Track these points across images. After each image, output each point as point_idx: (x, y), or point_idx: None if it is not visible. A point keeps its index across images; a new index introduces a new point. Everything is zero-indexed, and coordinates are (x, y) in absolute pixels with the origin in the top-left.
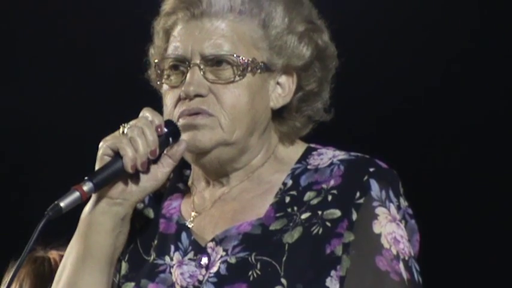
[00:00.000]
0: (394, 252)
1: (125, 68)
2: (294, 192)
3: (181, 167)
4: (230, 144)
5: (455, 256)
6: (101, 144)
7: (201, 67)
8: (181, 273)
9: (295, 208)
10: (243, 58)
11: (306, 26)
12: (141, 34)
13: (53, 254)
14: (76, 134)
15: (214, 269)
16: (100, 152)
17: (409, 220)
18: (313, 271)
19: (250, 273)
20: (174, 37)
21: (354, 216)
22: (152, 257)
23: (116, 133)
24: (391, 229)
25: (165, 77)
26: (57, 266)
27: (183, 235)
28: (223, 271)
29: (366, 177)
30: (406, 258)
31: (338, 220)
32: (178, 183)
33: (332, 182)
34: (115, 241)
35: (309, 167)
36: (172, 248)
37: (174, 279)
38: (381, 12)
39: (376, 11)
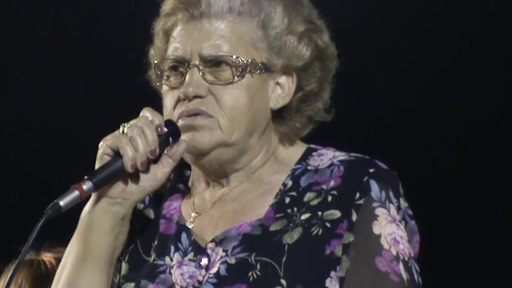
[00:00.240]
0: (394, 253)
1: (125, 68)
2: (294, 193)
3: (182, 167)
4: (229, 145)
5: (455, 257)
6: (100, 143)
7: (200, 68)
8: (181, 274)
9: (295, 209)
10: (242, 59)
11: (306, 26)
12: (142, 34)
13: (47, 257)
14: (76, 134)
15: (214, 270)
16: (100, 152)
17: (409, 221)
18: (313, 272)
19: (250, 273)
20: (174, 38)
21: (354, 217)
22: (152, 258)
23: (116, 132)
24: (391, 230)
25: (165, 78)
26: (53, 267)
27: (183, 236)
28: (223, 272)
29: (365, 178)
30: (406, 259)
31: (338, 221)
32: (178, 183)
33: (332, 183)
34: (115, 241)
35: (309, 167)
36: (172, 248)
37: (174, 280)
38: (381, 12)
39: (377, 11)
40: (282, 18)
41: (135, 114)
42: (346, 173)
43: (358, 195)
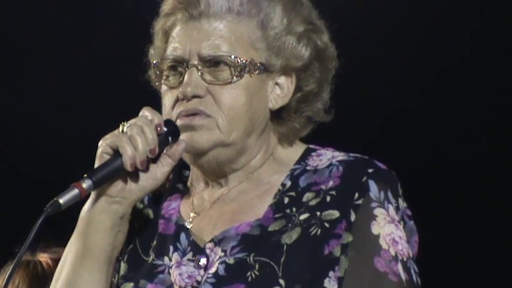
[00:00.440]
0: (393, 253)
1: (125, 67)
2: (292, 193)
3: (181, 167)
4: (228, 145)
5: (454, 257)
6: (100, 142)
7: (199, 68)
8: (180, 274)
9: (294, 209)
10: (241, 59)
11: (305, 27)
12: (141, 34)
13: (43, 257)
14: (76, 133)
15: (212, 270)
16: (99, 150)
17: (407, 221)
18: (312, 272)
19: (248, 273)
20: (173, 38)
21: (353, 217)
22: (151, 258)
23: (116, 131)
24: (390, 230)
25: (164, 77)
26: (50, 268)
27: (182, 236)
28: (221, 272)
29: (364, 178)
30: (405, 259)
31: (336, 221)
32: (177, 183)
33: (331, 183)
34: (114, 240)
35: (308, 168)
36: (171, 248)
37: (173, 280)
38: (381, 12)
39: (377, 10)
40: (281, 18)
41: (135, 114)
42: (345, 173)
43: (357, 195)
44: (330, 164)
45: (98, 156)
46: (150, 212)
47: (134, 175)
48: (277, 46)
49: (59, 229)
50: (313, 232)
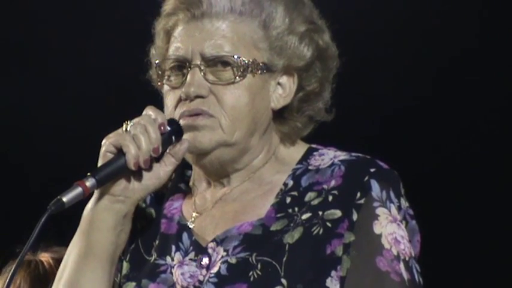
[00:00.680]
0: (395, 252)
1: (127, 67)
2: (294, 193)
3: (183, 167)
4: (230, 145)
5: (456, 257)
6: (103, 141)
7: (202, 68)
8: (182, 274)
9: (296, 209)
10: (244, 59)
11: (307, 27)
12: (142, 34)
13: (44, 257)
14: (78, 132)
15: (214, 269)
16: (103, 149)
17: (409, 221)
18: (314, 271)
19: (250, 273)
20: (175, 38)
21: (355, 217)
22: (153, 257)
23: (119, 130)
24: (392, 229)
25: (166, 77)
26: (51, 267)
27: (184, 235)
28: (223, 271)
29: (366, 178)
30: (407, 258)
31: (338, 220)
32: (179, 183)
33: (333, 183)
34: (117, 239)
35: (310, 167)
36: (174, 248)
37: (175, 280)
38: (382, 12)
39: (378, 10)
40: (283, 18)
41: (138, 113)
42: (347, 173)
43: (359, 194)
44: (332, 164)
45: (101, 155)
46: (153, 212)
47: (137, 174)
48: (279, 46)
49: (60, 229)
50: (315, 232)
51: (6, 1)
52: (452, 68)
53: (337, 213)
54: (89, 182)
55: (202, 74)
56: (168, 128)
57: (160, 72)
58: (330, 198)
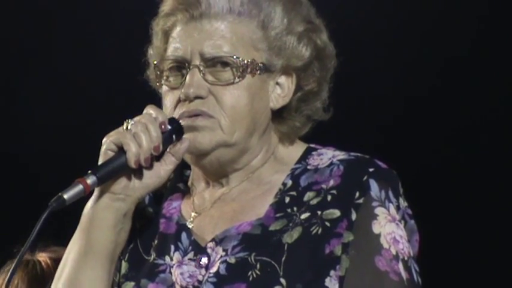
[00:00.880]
0: (394, 252)
1: (127, 66)
2: (293, 193)
3: (182, 167)
4: (230, 145)
5: (454, 257)
6: (104, 139)
7: (201, 69)
8: (181, 273)
9: (295, 208)
10: (243, 59)
11: (305, 26)
12: (141, 34)
13: (42, 257)
14: (79, 131)
15: (213, 269)
16: (104, 147)
17: (408, 220)
18: (313, 271)
19: (249, 273)
20: (174, 38)
21: (354, 216)
22: (152, 257)
23: (120, 129)
24: (391, 229)
25: (165, 78)
26: (49, 267)
27: (183, 235)
28: (222, 271)
29: (365, 177)
30: (406, 258)
31: (337, 220)
32: (178, 183)
33: (331, 182)
34: (117, 237)
35: (308, 167)
36: (173, 248)
37: (174, 279)
38: (380, 11)
39: (376, 9)
40: (282, 18)
41: (139, 112)
42: (346, 172)
43: (357, 194)
44: (331, 163)
45: (102, 153)
46: (151, 211)
47: (138, 172)
48: (278, 46)
49: (58, 228)
50: (314, 231)
51: (6, 1)
52: (454, 67)
53: (336, 212)
54: (90, 180)
55: (201, 74)
56: (169, 127)
57: (158, 73)
58: (329, 197)
